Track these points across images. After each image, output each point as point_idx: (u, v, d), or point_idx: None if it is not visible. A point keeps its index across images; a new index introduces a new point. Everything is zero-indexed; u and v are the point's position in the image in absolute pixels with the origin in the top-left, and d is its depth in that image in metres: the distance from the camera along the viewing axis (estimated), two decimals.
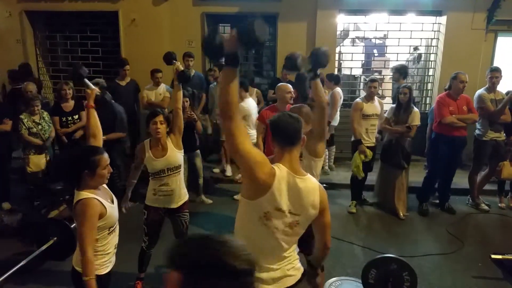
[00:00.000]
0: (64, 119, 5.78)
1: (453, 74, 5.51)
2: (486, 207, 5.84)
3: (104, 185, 2.79)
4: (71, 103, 5.85)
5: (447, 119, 5.33)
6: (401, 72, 6.49)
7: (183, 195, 3.88)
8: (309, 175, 2.26)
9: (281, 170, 2.13)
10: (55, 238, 4.25)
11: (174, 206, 3.79)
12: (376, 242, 4.87)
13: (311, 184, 2.22)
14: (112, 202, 2.77)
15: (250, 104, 6.00)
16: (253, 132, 5.62)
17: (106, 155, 2.66)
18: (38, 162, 5.53)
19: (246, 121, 5.75)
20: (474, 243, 4.98)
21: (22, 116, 5.42)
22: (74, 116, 5.83)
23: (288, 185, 2.13)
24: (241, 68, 6.52)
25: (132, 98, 6.80)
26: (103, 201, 2.63)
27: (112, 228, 2.75)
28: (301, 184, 2.16)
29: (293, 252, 2.33)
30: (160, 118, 3.62)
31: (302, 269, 2.38)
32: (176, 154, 3.73)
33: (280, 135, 2.21)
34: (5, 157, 5.84)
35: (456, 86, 5.36)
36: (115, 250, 2.84)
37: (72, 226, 4.32)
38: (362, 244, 4.84)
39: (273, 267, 2.24)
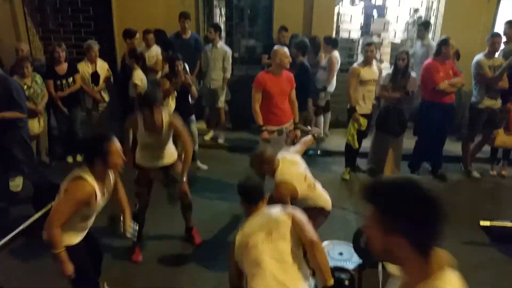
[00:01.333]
0: (58, 82, 5.66)
1: (442, 39, 5.42)
2: (477, 175, 5.91)
3: (111, 176, 2.83)
4: (64, 66, 5.70)
5: (441, 85, 5.29)
6: None
7: (173, 154, 3.99)
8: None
9: (247, 224, 2.61)
10: (53, 203, 4.30)
11: (163, 164, 3.89)
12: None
13: (270, 211, 2.62)
14: (104, 195, 2.78)
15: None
16: None
17: (117, 144, 2.69)
18: (31, 126, 5.46)
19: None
20: (464, 210, 5.06)
21: None
22: (68, 79, 5.72)
23: (253, 224, 2.59)
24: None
25: None
26: (97, 191, 2.63)
27: (87, 218, 2.76)
28: (264, 212, 2.63)
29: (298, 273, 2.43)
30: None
31: None
32: (168, 132, 3.78)
33: (246, 198, 2.70)
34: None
35: (447, 51, 5.29)
36: (87, 229, 2.87)
37: None
38: (355, 210, 4.94)
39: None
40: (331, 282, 2.38)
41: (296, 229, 2.48)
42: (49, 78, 5.65)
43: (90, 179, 2.59)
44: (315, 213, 3.45)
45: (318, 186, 3.58)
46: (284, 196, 3.24)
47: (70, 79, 5.74)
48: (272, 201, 2.99)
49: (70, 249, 2.66)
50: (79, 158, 6.13)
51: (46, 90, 5.55)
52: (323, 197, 3.55)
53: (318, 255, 2.39)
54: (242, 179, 2.80)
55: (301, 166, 3.53)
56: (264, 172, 3.39)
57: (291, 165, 3.45)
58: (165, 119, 3.71)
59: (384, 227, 1.25)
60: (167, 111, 3.90)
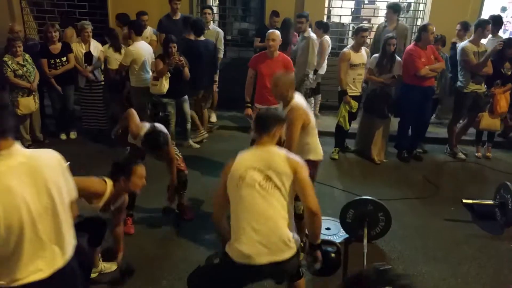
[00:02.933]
0: (52, 61, 5.78)
1: (422, 25, 5.60)
2: (463, 156, 6.09)
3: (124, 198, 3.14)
4: (58, 45, 5.82)
5: (422, 71, 5.41)
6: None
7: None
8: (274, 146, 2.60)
9: (245, 152, 2.57)
10: None
11: None
12: (356, 186, 5.12)
13: (275, 150, 2.55)
14: (106, 208, 3.02)
15: (143, 47, 5.82)
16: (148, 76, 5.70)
17: (142, 167, 2.99)
18: (27, 104, 5.56)
19: (136, 65, 5.68)
20: (448, 189, 5.25)
21: (5, 59, 5.34)
22: (62, 58, 5.82)
23: (251, 154, 2.55)
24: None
25: None
26: (105, 201, 2.90)
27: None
28: (265, 149, 2.55)
29: (284, 228, 2.44)
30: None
31: (295, 249, 2.49)
32: None
33: (258, 126, 2.64)
34: None
35: (426, 38, 5.41)
36: None
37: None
38: (342, 188, 5.08)
39: (264, 236, 2.38)
40: (318, 241, 2.58)
41: (297, 188, 2.46)
42: (43, 57, 5.74)
43: (109, 187, 2.90)
44: (309, 165, 3.55)
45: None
46: (298, 119, 3.30)
47: (64, 58, 5.83)
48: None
49: None
50: (72, 135, 6.30)
51: (36, 69, 5.61)
52: (319, 149, 3.66)
53: (316, 223, 2.50)
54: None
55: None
56: (285, 95, 3.40)
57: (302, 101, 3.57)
58: None
59: None
60: None
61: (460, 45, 5.76)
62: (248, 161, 2.49)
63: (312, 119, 3.48)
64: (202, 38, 5.85)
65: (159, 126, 3.74)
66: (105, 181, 2.93)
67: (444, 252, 3.95)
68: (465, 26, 6.45)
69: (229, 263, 2.43)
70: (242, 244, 2.38)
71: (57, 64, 5.81)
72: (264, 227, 2.38)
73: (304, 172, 2.48)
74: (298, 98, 3.50)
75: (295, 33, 6.51)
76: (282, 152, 2.53)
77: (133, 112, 3.92)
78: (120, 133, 4.02)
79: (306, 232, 2.81)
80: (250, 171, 2.44)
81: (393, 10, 6.38)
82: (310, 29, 6.08)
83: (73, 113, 6.32)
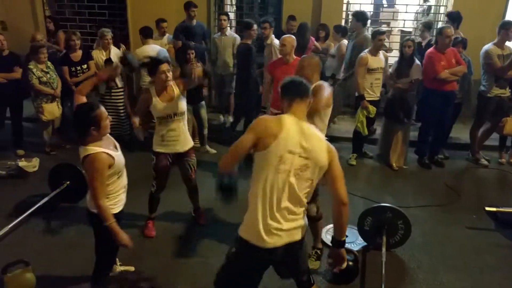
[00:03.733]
0: (73, 69, 5.82)
1: (438, 29, 5.50)
2: (485, 162, 5.95)
3: (107, 134, 2.93)
4: (79, 53, 5.86)
5: (442, 74, 5.31)
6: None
7: (189, 141, 4.04)
8: (314, 126, 2.45)
9: (289, 117, 2.37)
10: (68, 182, 4.47)
11: (181, 150, 3.95)
12: (374, 193, 5.04)
13: (316, 132, 2.44)
14: (116, 148, 2.91)
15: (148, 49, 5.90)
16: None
17: (102, 107, 2.80)
18: (52, 110, 5.71)
19: None
20: (470, 196, 5.13)
21: (30, 66, 5.47)
22: (83, 66, 5.88)
23: (296, 130, 2.34)
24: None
25: None
26: (109, 151, 2.76)
27: (120, 173, 2.90)
28: (308, 131, 2.37)
29: (302, 210, 2.44)
30: (167, 66, 3.68)
31: (306, 227, 2.52)
32: (182, 100, 3.84)
33: (290, 89, 2.47)
34: (18, 106, 5.96)
35: (442, 41, 5.31)
36: (125, 190, 3.03)
37: (83, 171, 4.53)
38: (361, 195, 5.00)
39: (285, 219, 2.36)
40: (344, 237, 2.51)
41: (329, 177, 2.41)
42: (64, 65, 5.81)
43: (93, 148, 2.70)
44: None
45: None
46: (321, 97, 3.15)
47: (85, 66, 5.89)
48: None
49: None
50: None
51: (61, 76, 5.74)
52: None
53: (344, 215, 2.43)
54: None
55: None
56: (310, 79, 3.19)
57: None
58: (175, 89, 3.79)
59: None
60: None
61: (484, 47, 5.63)
62: (292, 140, 2.31)
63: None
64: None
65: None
66: (90, 151, 2.70)
67: (465, 261, 3.85)
68: (427, 26, 6.48)
69: (243, 247, 2.42)
70: (260, 228, 2.34)
71: (78, 72, 5.85)
72: (286, 215, 2.36)
73: (338, 162, 2.43)
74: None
75: (312, 38, 6.48)
76: (323, 138, 2.45)
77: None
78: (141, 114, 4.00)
79: (322, 238, 2.78)
80: (291, 155, 2.29)
81: (356, 19, 6.24)
82: (273, 36, 6.03)
83: None
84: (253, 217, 2.37)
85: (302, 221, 2.45)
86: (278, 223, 2.34)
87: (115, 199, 2.91)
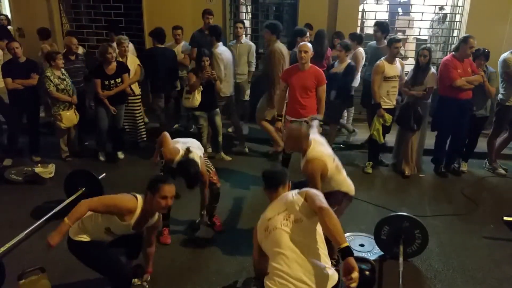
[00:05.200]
0: (106, 82, 5.67)
1: (463, 37, 5.42)
2: (503, 171, 5.87)
3: (155, 217, 3.09)
4: (113, 66, 5.70)
5: (458, 82, 5.26)
6: None
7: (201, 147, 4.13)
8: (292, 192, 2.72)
9: (271, 210, 2.68)
10: (83, 189, 4.50)
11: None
12: (390, 202, 4.99)
13: (287, 193, 2.74)
14: (137, 226, 2.99)
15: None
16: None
17: (171, 187, 2.90)
18: (70, 117, 5.76)
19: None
20: (488, 206, 5.05)
21: (47, 74, 5.51)
22: (116, 80, 5.73)
23: (268, 207, 2.73)
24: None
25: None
26: (134, 217, 2.89)
27: (108, 233, 2.97)
28: (277, 200, 2.73)
29: (317, 253, 2.48)
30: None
31: (335, 277, 2.45)
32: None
33: (268, 182, 2.83)
34: (35, 112, 6.02)
35: (464, 50, 5.26)
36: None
37: (99, 177, 4.57)
38: (376, 203, 4.96)
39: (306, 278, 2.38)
40: (345, 244, 2.25)
41: (308, 202, 2.53)
42: (98, 78, 5.65)
43: (139, 203, 2.89)
44: (340, 196, 3.51)
45: (343, 171, 3.61)
46: (315, 171, 3.30)
47: (119, 80, 5.75)
48: (299, 185, 3.03)
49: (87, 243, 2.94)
50: (120, 155, 6.20)
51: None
52: (347, 182, 3.59)
53: (328, 220, 2.32)
54: (267, 167, 2.97)
55: (329, 148, 3.60)
56: (299, 148, 3.44)
57: (321, 145, 3.53)
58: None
59: None
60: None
61: (502, 56, 5.57)
62: (268, 214, 2.64)
63: (332, 164, 3.43)
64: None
65: (192, 154, 3.77)
66: (136, 197, 2.93)
67: (483, 272, 3.77)
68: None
69: None
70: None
71: (112, 85, 5.70)
72: (297, 259, 2.43)
73: (311, 189, 2.67)
74: (316, 145, 3.46)
75: (328, 49, 6.48)
76: (294, 191, 2.70)
77: (167, 135, 3.97)
78: (158, 159, 4.08)
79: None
80: (271, 220, 2.59)
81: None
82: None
83: (122, 132, 6.28)
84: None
85: (327, 268, 2.45)
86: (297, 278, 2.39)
87: (89, 236, 2.98)
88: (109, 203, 2.83)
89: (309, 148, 3.41)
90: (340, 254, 2.26)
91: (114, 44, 6.03)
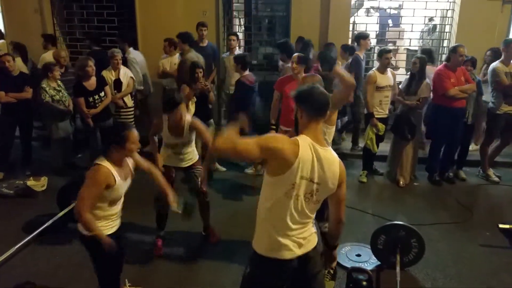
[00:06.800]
0: (90, 99, 5.44)
1: (452, 47, 5.52)
2: (496, 179, 5.89)
3: (129, 163, 2.97)
4: (93, 80, 5.49)
5: (451, 91, 5.32)
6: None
7: (194, 156, 4.14)
8: (330, 148, 2.36)
9: (305, 141, 2.23)
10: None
11: (185, 165, 4.07)
12: (386, 210, 4.99)
13: (332, 155, 2.32)
14: (126, 179, 2.92)
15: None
16: None
17: (135, 131, 2.85)
18: (65, 127, 5.72)
19: None
20: (483, 213, 5.07)
21: (43, 85, 5.47)
22: (100, 94, 5.53)
23: (311, 155, 2.22)
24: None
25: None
26: (115, 174, 2.78)
27: (114, 203, 2.88)
28: (323, 154, 2.25)
29: (311, 220, 2.42)
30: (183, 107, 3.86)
31: (316, 234, 2.49)
32: (191, 134, 3.98)
33: (312, 106, 2.29)
34: (28, 125, 5.99)
35: (455, 59, 5.34)
36: (119, 215, 2.99)
37: None
38: (372, 212, 4.96)
39: (296, 234, 2.33)
40: (337, 243, 2.68)
41: (334, 198, 2.40)
42: (80, 96, 5.40)
43: (106, 164, 2.77)
44: None
45: None
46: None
47: (102, 93, 5.56)
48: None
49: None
50: None
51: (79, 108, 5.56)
52: None
53: (341, 230, 2.51)
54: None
55: None
56: None
57: None
58: (186, 120, 3.88)
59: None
60: (188, 113, 4.07)
61: (491, 65, 5.65)
62: (307, 166, 2.21)
63: None
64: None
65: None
66: (100, 164, 2.75)
67: (481, 280, 3.77)
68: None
69: (259, 263, 2.37)
70: (275, 240, 2.31)
71: (96, 101, 5.48)
72: (298, 228, 2.33)
73: (345, 185, 2.39)
74: None
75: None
76: (338, 161, 2.34)
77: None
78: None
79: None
80: (305, 181, 2.22)
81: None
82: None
83: None
84: (265, 233, 2.34)
85: (313, 228, 2.44)
86: (290, 235, 2.31)
87: (104, 221, 2.87)
88: (90, 191, 2.71)
89: None
90: (331, 248, 2.68)
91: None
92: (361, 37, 6.53)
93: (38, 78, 5.78)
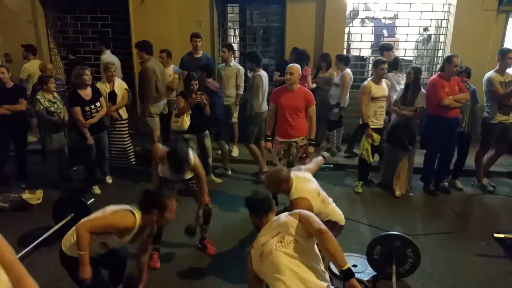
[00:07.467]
0: (87, 108, 5.40)
1: (446, 56, 5.56)
2: (491, 188, 5.91)
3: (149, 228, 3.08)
4: (89, 90, 5.48)
5: (445, 101, 5.35)
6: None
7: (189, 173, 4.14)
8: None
9: (263, 237, 2.68)
10: (72, 215, 4.42)
11: (183, 178, 4.10)
12: (382, 221, 4.99)
13: (282, 217, 2.74)
14: (134, 239, 2.97)
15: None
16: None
17: (174, 201, 2.96)
18: (60, 139, 5.69)
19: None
20: (478, 223, 5.07)
21: (38, 96, 5.46)
22: (96, 104, 5.51)
23: (260, 233, 2.75)
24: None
25: None
26: (131, 234, 2.87)
27: (104, 244, 2.93)
28: (268, 224, 2.76)
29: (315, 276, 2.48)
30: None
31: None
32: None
33: (253, 209, 2.87)
34: (22, 138, 5.97)
35: (449, 69, 5.37)
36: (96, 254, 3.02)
37: (88, 203, 4.50)
38: (368, 223, 4.96)
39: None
40: (346, 266, 2.43)
41: (304, 224, 2.57)
42: (76, 105, 5.35)
43: (137, 221, 2.84)
44: (329, 226, 3.49)
45: (331, 202, 3.60)
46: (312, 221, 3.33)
47: (98, 103, 5.55)
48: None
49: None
50: (108, 180, 6.12)
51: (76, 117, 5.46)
52: (337, 213, 3.59)
53: (328, 243, 2.44)
54: (249, 195, 2.95)
55: (313, 183, 3.57)
56: (281, 191, 3.45)
57: (304, 182, 3.49)
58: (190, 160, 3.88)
59: None
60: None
61: (486, 75, 5.69)
62: (261, 240, 2.64)
63: (317, 200, 3.39)
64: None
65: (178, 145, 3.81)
66: (134, 213, 2.87)
67: None
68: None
69: None
70: None
71: (92, 111, 5.45)
72: (296, 279, 2.43)
73: (304, 210, 2.71)
74: (298, 184, 3.43)
75: (306, 67, 6.55)
76: (285, 213, 2.74)
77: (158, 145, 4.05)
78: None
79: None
80: (265, 244, 2.58)
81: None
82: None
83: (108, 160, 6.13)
84: None
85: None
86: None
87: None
88: (107, 224, 2.78)
89: (292, 188, 3.39)
90: (343, 276, 2.44)
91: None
92: (385, 49, 6.57)
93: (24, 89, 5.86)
